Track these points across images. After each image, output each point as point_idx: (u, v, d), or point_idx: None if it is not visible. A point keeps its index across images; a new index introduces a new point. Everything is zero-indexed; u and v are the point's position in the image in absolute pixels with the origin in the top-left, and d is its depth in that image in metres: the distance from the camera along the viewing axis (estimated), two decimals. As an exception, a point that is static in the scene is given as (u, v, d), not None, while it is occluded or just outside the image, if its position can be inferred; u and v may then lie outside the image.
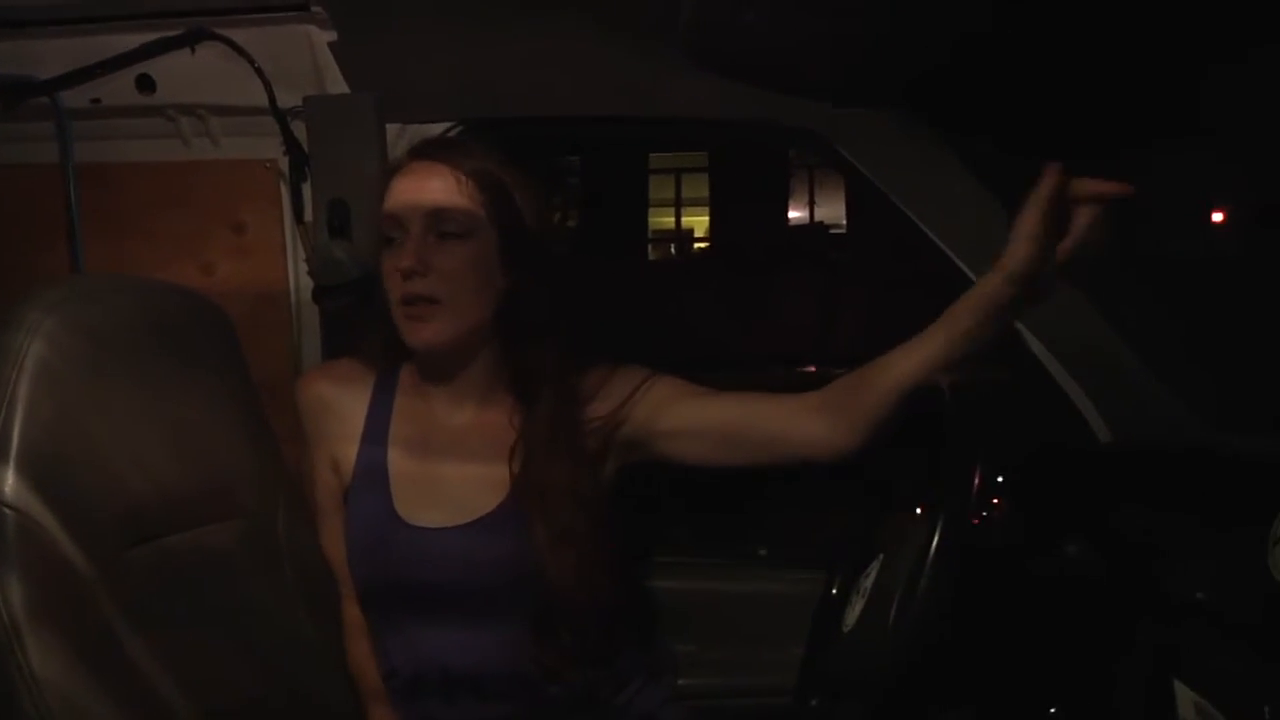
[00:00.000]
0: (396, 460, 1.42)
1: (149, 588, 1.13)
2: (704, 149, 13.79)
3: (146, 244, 1.85)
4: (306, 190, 1.74)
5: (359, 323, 1.56)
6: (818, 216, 13.96)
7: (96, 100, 1.79)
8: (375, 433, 1.44)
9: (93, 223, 1.86)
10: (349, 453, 1.44)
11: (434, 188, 1.36)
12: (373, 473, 1.42)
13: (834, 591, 1.31)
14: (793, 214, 14.01)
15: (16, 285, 1.16)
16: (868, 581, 1.19)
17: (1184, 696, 1.07)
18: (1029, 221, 1.16)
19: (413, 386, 1.46)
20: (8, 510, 1.02)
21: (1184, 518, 1.23)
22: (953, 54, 1.50)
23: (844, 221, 13.37)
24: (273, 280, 1.82)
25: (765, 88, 1.67)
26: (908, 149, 1.70)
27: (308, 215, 1.74)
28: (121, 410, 1.18)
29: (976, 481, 1.09)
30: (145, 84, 1.76)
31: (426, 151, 1.41)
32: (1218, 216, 6.46)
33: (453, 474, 1.41)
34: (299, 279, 1.81)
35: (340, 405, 1.46)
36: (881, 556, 1.21)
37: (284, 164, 1.77)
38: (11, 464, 1.03)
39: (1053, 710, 1.11)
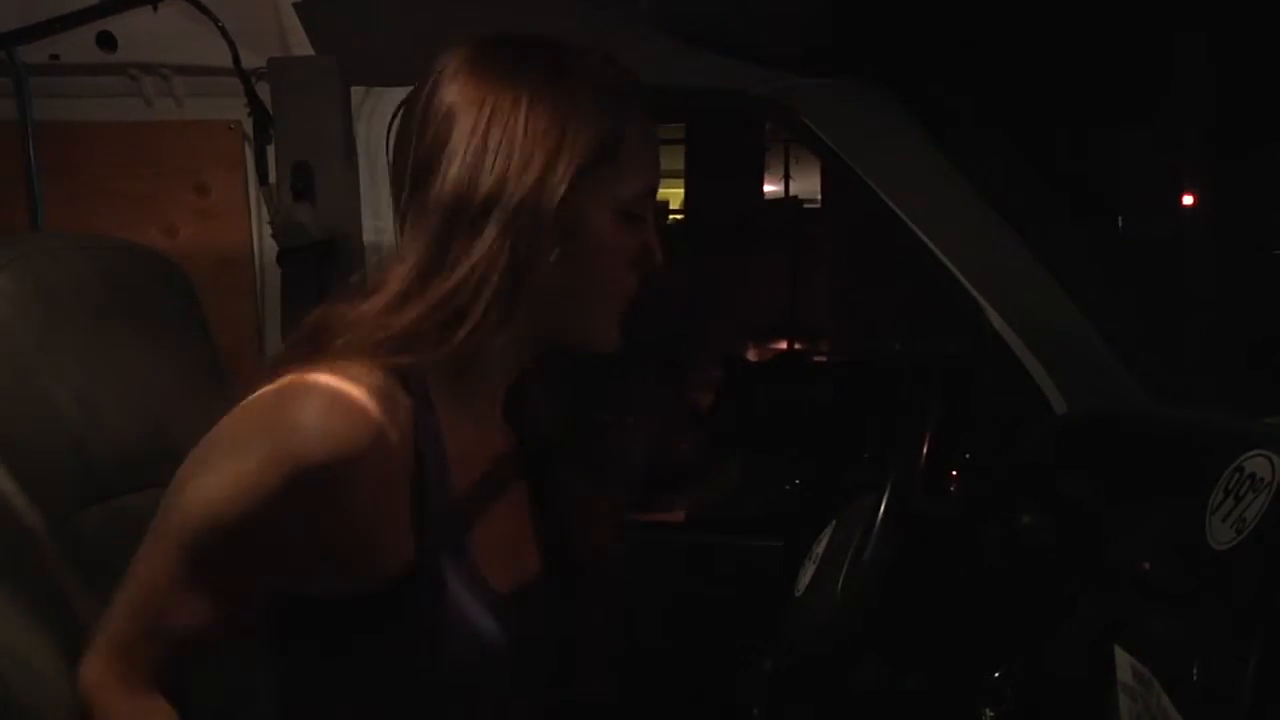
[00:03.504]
0: (477, 530, 0.98)
1: (101, 546, 1.13)
2: (679, 120, 13.77)
3: (108, 205, 1.84)
4: (270, 152, 1.73)
5: (323, 288, 1.55)
6: (793, 190, 13.97)
7: (55, 56, 1.77)
8: (438, 503, 0.93)
9: (53, 182, 1.85)
10: (392, 539, 0.91)
11: None
12: (460, 561, 0.95)
13: (790, 557, 1.33)
14: (768, 187, 14.02)
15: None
16: (819, 547, 1.20)
17: (1123, 661, 1.10)
18: None
19: (452, 408, 0.97)
20: (-40, 470, 1.02)
21: (1128, 488, 1.25)
22: (915, 23, 1.51)
23: (818, 196, 13.40)
24: (236, 243, 1.82)
25: (729, 56, 1.67)
26: (870, 120, 1.71)
27: (271, 177, 1.73)
28: (78, 369, 1.17)
29: (926, 450, 1.11)
30: (106, 41, 1.75)
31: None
32: (1188, 200, 6.52)
33: (519, 531, 1.07)
34: (263, 242, 1.80)
35: (378, 476, 0.88)
36: (834, 523, 1.23)
37: (248, 125, 1.76)
38: (-36, 423, 1.03)
39: (996, 674, 1.13)
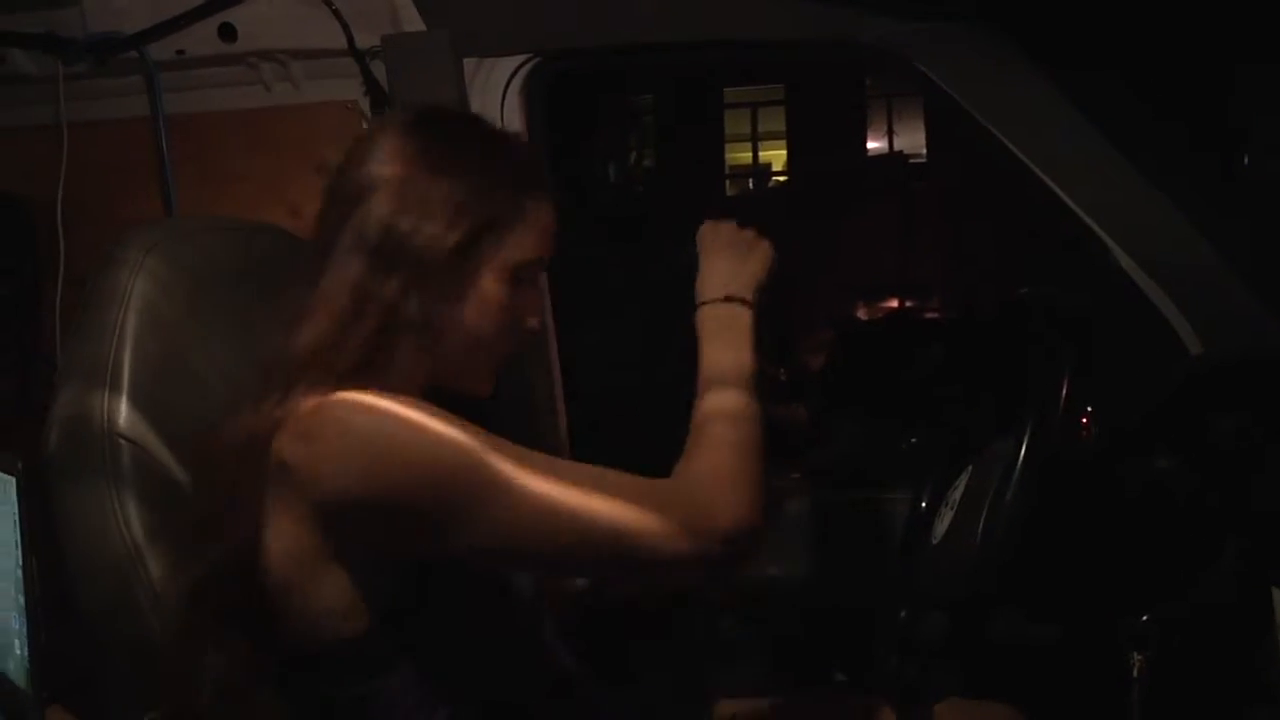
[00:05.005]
0: None
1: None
2: (780, 81, 13.61)
3: (234, 190, 1.90)
4: (387, 129, 1.77)
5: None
6: (897, 146, 13.71)
7: (181, 52, 1.83)
8: None
9: (182, 172, 1.92)
10: None
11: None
12: None
13: (923, 505, 1.32)
14: (871, 144, 13.78)
15: (114, 237, 1.21)
16: (956, 494, 1.19)
17: (1280, 602, 1.07)
18: None
19: None
20: (123, 441, 1.08)
21: (1278, 427, 1.21)
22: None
23: (924, 150, 13.13)
24: (358, 220, 1.86)
25: (832, 4, 1.65)
26: (986, 62, 1.66)
27: (390, 154, 1.77)
28: (221, 346, 1.23)
29: (1064, 393, 1.09)
30: (227, 32, 1.79)
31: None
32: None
33: None
34: (384, 217, 1.84)
35: None
36: (970, 469, 1.21)
37: (364, 104, 1.80)
38: (125, 397, 1.09)
39: (1144, 618, 1.11)
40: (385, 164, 1.06)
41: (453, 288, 1.05)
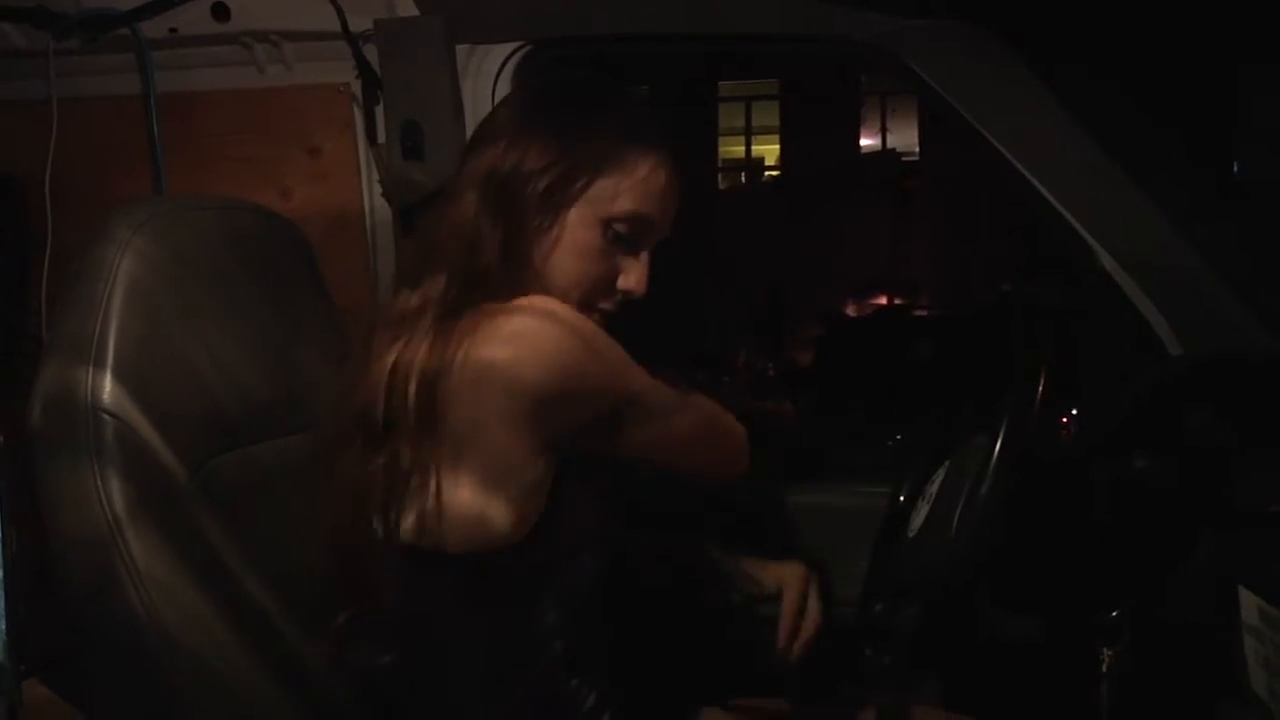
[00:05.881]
0: None
1: (235, 492, 1.19)
2: (775, 76, 13.60)
3: (224, 170, 1.90)
4: (379, 113, 1.77)
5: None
6: (890, 143, 13.72)
7: (174, 30, 1.83)
8: None
9: (172, 151, 1.91)
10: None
11: (675, 204, 1.22)
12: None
13: (901, 499, 1.33)
14: (865, 141, 13.78)
15: (102, 215, 1.21)
16: (933, 488, 1.20)
17: (1248, 602, 1.08)
18: None
19: None
20: (107, 416, 1.08)
21: (1256, 428, 1.22)
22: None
23: (917, 148, 13.14)
24: (348, 202, 1.86)
25: (827, 1, 1.65)
26: (977, 62, 1.67)
27: (381, 137, 1.77)
28: (207, 324, 1.23)
29: (1042, 388, 1.10)
30: (220, 11, 1.79)
31: (665, 143, 1.21)
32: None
33: None
34: (374, 201, 1.84)
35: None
36: (947, 463, 1.22)
37: (357, 87, 1.80)
38: (109, 373, 1.09)
39: (1114, 613, 1.12)
40: (503, 110, 1.22)
41: (547, 227, 1.14)
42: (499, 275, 1.12)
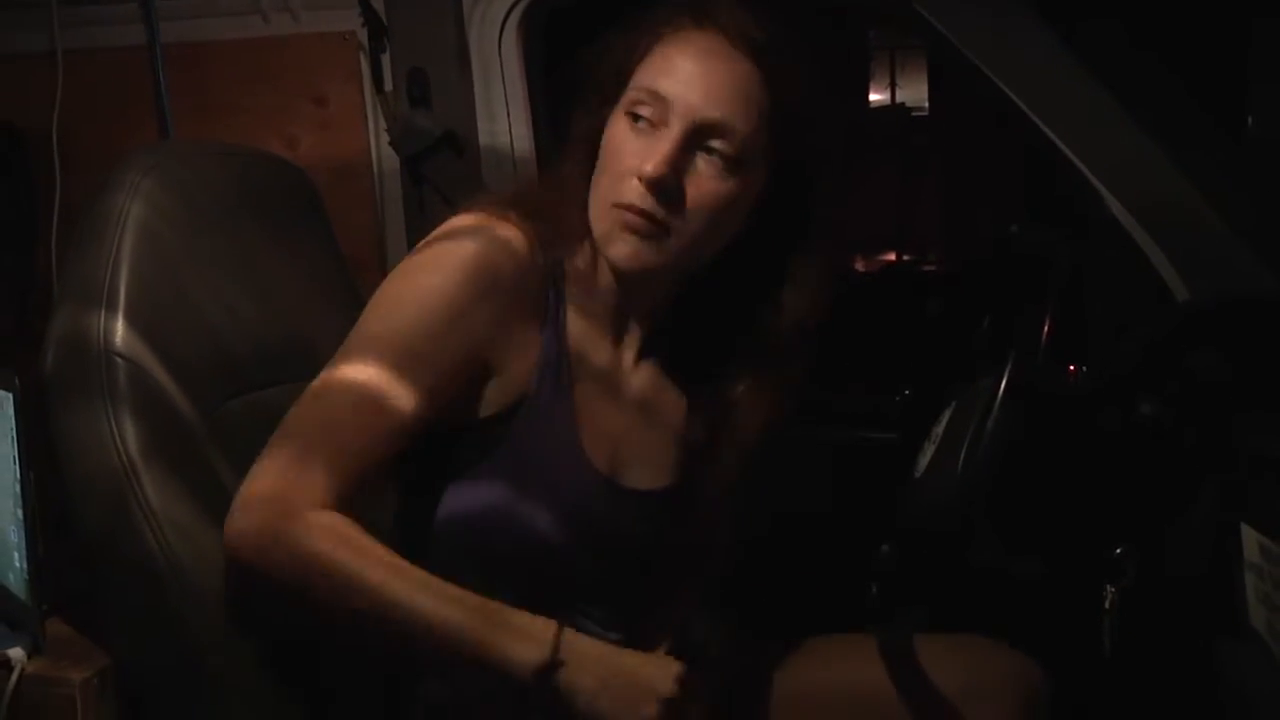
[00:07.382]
0: (582, 401, 1.14)
1: (245, 436, 1.20)
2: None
3: (231, 120, 1.90)
4: (385, 61, 1.76)
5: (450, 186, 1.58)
6: (899, 98, 13.60)
7: (180, -22, 1.82)
8: (553, 355, 1.12)
9: (178, 102, 1.92)
10: (517, 367, 1.10)
11: (725, 85, 1.06)
12: (555, 408, 1.12)
13: (907, 441, 1.33)
14: (873, 96, 13.67)
15: (110, 166, 1.21)
16: (939, 429, 1.20)
17: (1250, 539, 1.09)
18: None
19: (581, 309, 1.15)
20: (119, 359, 1.09)
21: (1260, 370, 1.23)
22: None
23: (926, 104, 13.02)
24: (355, 152, 1.86)
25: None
26: (990, 9, 1.65)
27: (387, 85, 1.77)
28: (216, 269, 1.24)
29: (1047, 328, 1.10)
30: (225, -40, 1.79)
31: (729, 22, 1.07)
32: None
33: (636, 435, 1.20)
34: (381, 150, 1.84)
35: (519, 303, 1.10)
36: (953, 404, 1.22)
37: (362, 35, 1.79)
38: (121, 316, 1.10)
39: (1118, 550, 1.13)
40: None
41: (592, 132, 1.13)
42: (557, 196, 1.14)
